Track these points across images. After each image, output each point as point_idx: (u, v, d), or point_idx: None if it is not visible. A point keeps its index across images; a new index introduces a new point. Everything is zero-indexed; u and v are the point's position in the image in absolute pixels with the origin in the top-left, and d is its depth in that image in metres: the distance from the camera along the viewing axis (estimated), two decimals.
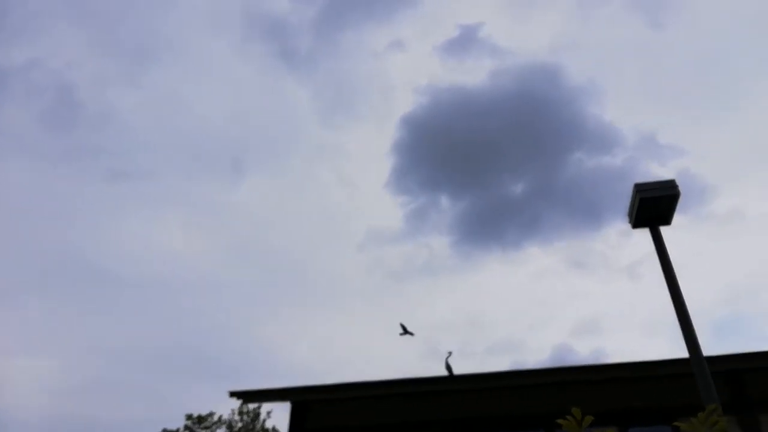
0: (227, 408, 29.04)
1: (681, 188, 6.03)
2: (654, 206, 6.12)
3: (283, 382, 9.18)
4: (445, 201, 47.92)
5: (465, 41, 46.72)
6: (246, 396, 9.24)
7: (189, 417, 27.84)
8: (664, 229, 6.37)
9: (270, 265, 52.13)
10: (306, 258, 51.34)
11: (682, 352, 6.11)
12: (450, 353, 11.39)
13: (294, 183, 53.05)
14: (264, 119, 54.08)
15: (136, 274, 48.08)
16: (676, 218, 6.27)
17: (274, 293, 52.76)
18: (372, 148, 57.79)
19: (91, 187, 48.50)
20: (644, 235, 6.49)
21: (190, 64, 51.78)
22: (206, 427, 27.96)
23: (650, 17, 45.20)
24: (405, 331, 11.00)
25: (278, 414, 30.41)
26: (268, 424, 29.12)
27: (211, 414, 28.27)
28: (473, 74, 51.59)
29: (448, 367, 11.63)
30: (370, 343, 47.26)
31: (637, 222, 6.30)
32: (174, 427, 27.65)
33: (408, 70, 54.36)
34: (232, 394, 9.13)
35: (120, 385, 42.23)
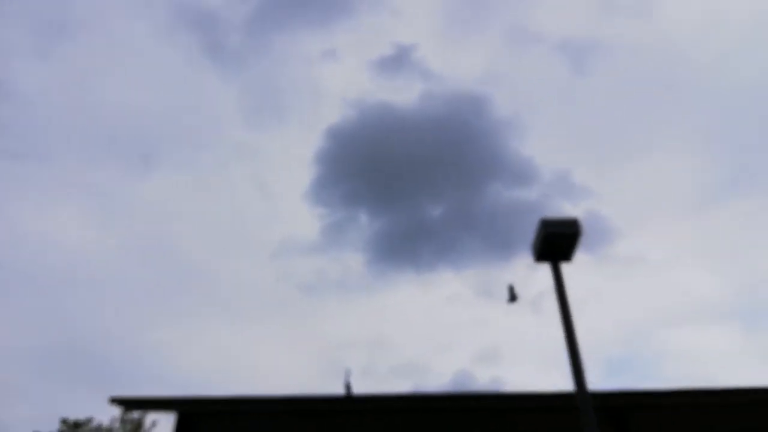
0: (108, 415, 27.26)
1: (588, 228, 6.29)
2: (557, 242, 6.32)
3: (171, 392, 8.67)
4: (363, 217, 48.03)
5: (398, 60, 47.48)
6: (128, 403, 8.65)
7: (64, 421, 25.89)
8: (565, 265, 6.60)
9: (171, 266, 49.77)
10: (211, 262, 49.52)
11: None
12: (349, 371, 11.27)
13: (206, 182, 51.15)
14: (181, 112, 51.92)
15: (21, 261, 44.45)
16: (581, 255, 6.53)
17: (173, 296, 50.36)
18: (294, 155, 56.97)
19: None
20: (548, 269, 6.70)
21: (107, 45, 48.98)
22: None
23: (575, 62, 48.05)
24: (512, 297, 10.69)
25: (165, 425, 28.90)
26: None
27: (89, 420, 26.43)
28: (403, 94, 52.39)
29: (347, 386, 11.50)
30: (271, 356, 46.14)
31: (539, 256, 6.49)
32: (46, 431, 25.62)
33: (339, 80, 54.35)
34: (114, 400, 8.53)
35: None
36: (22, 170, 45.05)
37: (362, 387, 11.49)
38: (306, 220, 53.83)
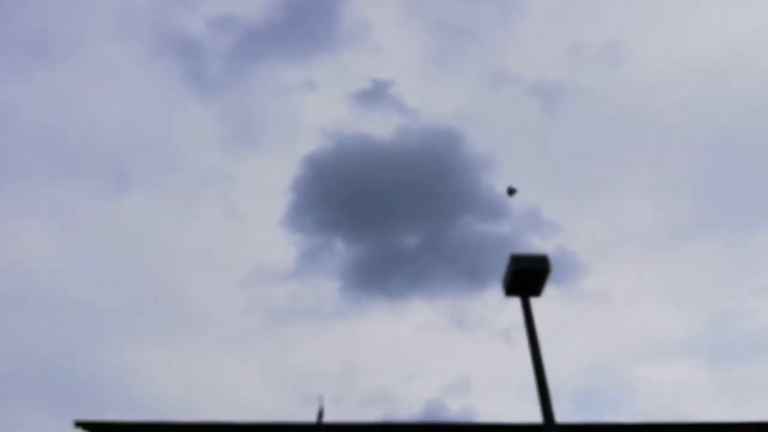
0: None
1: (557, 263, 6.47)
2: (526, 277, 6.47)
3: (139, 416, 8.54)
4: (339, 245, 48.21)
5: (376, 94, 48.36)
6: (94, 427, 8.51)
7: None
8: (535, 300, 6.73)
9: (141, 290, 49.09)
10: (182, 286, 48.95)
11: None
12: (322, 397, 11.24)
13: (180, 206, 50.94)
14: (158, 135, 51.93)
15: None
16: (550, 290, 6.67)
17: (142, 319, 49.54)
18: (270, 182, 57.22)
19: None
20: (519, 303, 6.83)
21: (87, 66, 49.08)
22: None
23: (546, 104, 49.46)
24: (512, 192, 10.69)
25: None
26: None
27: None
28: (380, 126, 53.36)
29: (320, 413, 11.45)
30: (241, 382, 45.49)
31: (510, 290, 6.62)
32: None
33: (317, 111, 55.08)
34: (78, 424, 8.38)
35: None
36: None
37: (333, 415, 11.45)
38: (281, 246, 53.74)
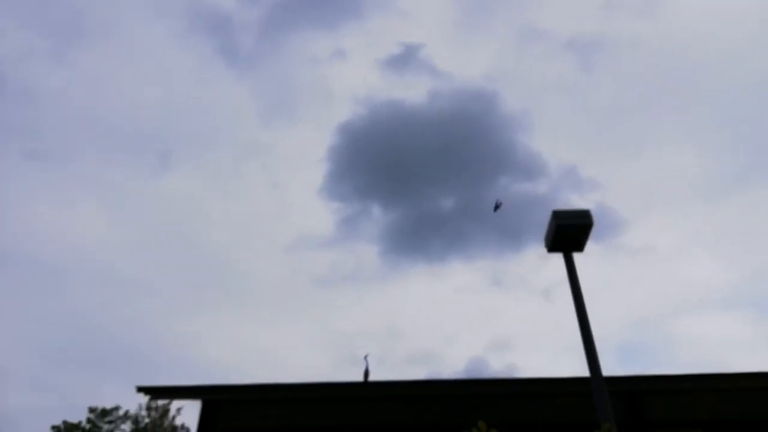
0: (134, 403, 27.94)
1: (597, 220, 6.36)
2: (569, 233, 6.41)
3: (195, 380, 8.95)
4: (376, 210, 48.43)
5: (406, 59, 47.62)
6: (154, 392, 8.94)
7: (92, 410, 26.60)
8: (577, 256, 6.69)
9: (189, 261, 50.64)
10: (229, 257, 50.24)
11: (587, 371, 6.44)
12: (367, 356, 11.49)
13: (222, 179, 51.84)
14: (197, 112, 52.63)
15: (45, 258, 45.53)
16: (591, 246, 6.61)
17: (192, 289, 51.19)
18: (307, 152, 57.61)
19: (3, 165, 45.56)
20: (560, 260, 6.81)
21: (125, 48, 49.71)
22: (110, 421, 26.80)
23: (581, 60, 47.82)
24: (497, 207, 11.00)
25: (189, 411, 29.54)
26: (178, 421, 28.25)
27: (116, 408, 27.11)
28: (412, 91, 52.65)
29: (366, 372, 11.71)
30: (289, 346, 46.77)
31: (552, 247, 6.58)
32: (76, 420, 26.35)
33: (349, 80, 54.70)
34: (140, 389, 8.81)
35: (20, 373, 39.76)
36: (43, 170, 45.94)
37: (377, 375, 11.67)
38: (320, 214, 54.37)
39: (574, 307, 6.57)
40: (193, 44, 50.81)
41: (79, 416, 26.96)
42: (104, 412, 26.63)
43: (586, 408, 7.52)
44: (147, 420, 27.40)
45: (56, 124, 46.84)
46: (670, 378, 8.54)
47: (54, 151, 46.67)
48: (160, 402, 27.22)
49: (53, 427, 25.60)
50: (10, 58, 47.53)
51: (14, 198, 46.72)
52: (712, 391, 8.71)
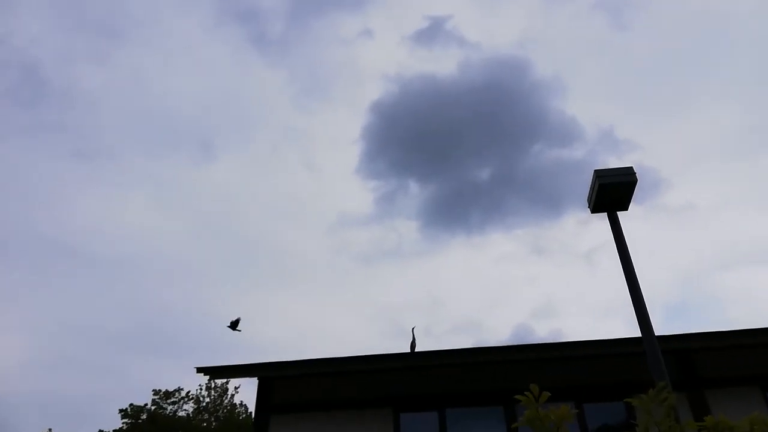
0: (195, 384, 29.05)
1: (638, 180, 6.25)
2: (612, 192, 6.33)
3: (250, 358, 9.26)
4: (413, 186, 48.49)
5: (433, 32, 46.98)
6: (213, 372, 9.31)
7: (156, 392, 27.79)
8: (621, 216, 6.61)
9: (237, 246, 51.94)
10: (274, 239, 51.28)
11: (635, 332, 6.41)
12: (414, 328, 11.67)
13: (263, 164, 52.71)
14: (234, 100, 53.44)
15: (101, 252, 47.42)
16: (633, 208, 6.51)
17: (243, 272, 52.54)
18: (343, 132, 57.94)
19: (54, 164, 47.45)
20: (600, 224, 6.74)
21: (159, 44, 50.69)
22: (173, 402, 27.97)
23: (613, 18, 46.15)
24: (234, 326, 11.24)
25: (246, 389, 30.56)
26: (236, 399, 29.27)
27: (178, 389, 28.26)
28: (441, 64, 52.06)
29: (413, 343, 11.90)
30: (337, 322, 47.65)
31: (596, 207, 6.51)
32: (141, 402, 27.60)
33: (378, 58, 54.46)
34: (199, 369, 9.19)
35: (87, 361, 41.88)
36: (91, 168, 47.60)
37: (424, 346, 11.82)
38: (359, 193, 54.78)
39: (621, 266, 6.51)
40: (225, 35, 51.47)
41: (144, 399, 28.26)
42: (167, 394, 27.80)
43: (637, 368, 7.49)
44: (207, 399, 28.50)
45: (100, 123, 48.34)
46: (721, 334, 8.39)
47: (100, 149, 48.28)
48: (219, 381, 28.24)
49: (121, 411, 26.90)
50: (51, 62, 49.09)
51: (68, 197, 48.70)
52: (764, 345, 8.52)
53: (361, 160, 51.26)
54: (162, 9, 51.19)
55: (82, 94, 48.11)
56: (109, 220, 46.94)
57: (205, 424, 27.75)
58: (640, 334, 6.17)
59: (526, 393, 2.47)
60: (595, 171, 6.34)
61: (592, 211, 6.59)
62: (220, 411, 28.38)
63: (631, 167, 6.32)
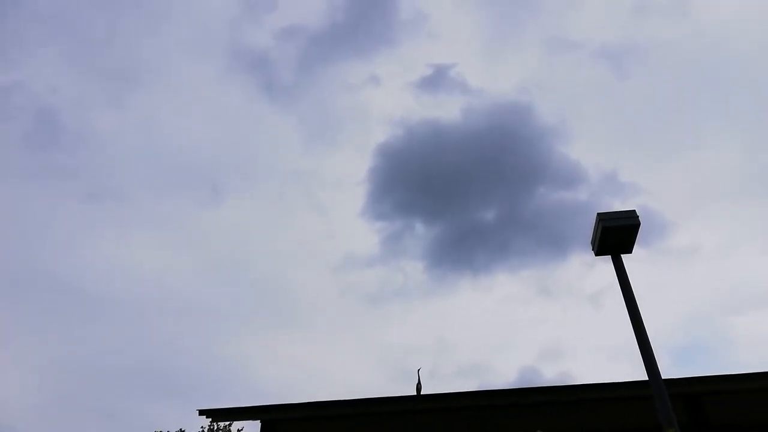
0: (197, 426, 28.59)
1: (641, 223, 6.28)
2: (616, 235, 6.34)
3: (254, 400, 9.16)
4: (419, 227, 48.74)
5: (438, 79, 48.09)
6: (215, 414, 9.20)
7: None
8: (625, 259, 6.61)
9: (243, 288, 51.91)
10: (281, 280, 51.26)
11: (643, 375, 6.33)
12: (419, 370, 11.56)
13: (271, 207, 53.24)
14: (244, 145, 54.44)
15: (106, 292, 47.46)
16: (638, 251, 6.54)
17: (248, 313, 52.32)
18: (348, 175, 58.71)
19: (66, 206, 48.05)
20: (606, 266, 6.74)
21: (173, 90, 51.99)
22: None
23: (614, 66, 47.18)
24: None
25: (249, 431, 30.03)
26: None
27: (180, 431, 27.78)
28: (445, 109, 53.10)
29: (419, 384, 11.77)
30: (343, 365, 47.12)
31: (600, 250, 6.52)
32: None
33: (384, 104, 55.76)
34: (202, 412, 9.09)
35: (87, 403, 41.36)
36: (101, 209, 48.13)
37: (430, 389, 11.70)
38: (365, 234, 55.07)
39: (627, 308, 6.47)
40: (236, 82, 52.76)
41: None
42: None
43: (644, 412, 7.38)
44: None
45: (112, 166, 49.16)
46: (731, 377, 8.26)
47: (111, 192, 48.92)
48: (222, 424, 27.78)
49: None
50: (66, 107, 50.28)
51: (78, 238, 49.01)
52: None
53: (368, 201, 51.69)
54: (175, 56, 52.66)
55: (96, 137, 49.09)
56: (118, 260, 47.18)
57: None
58: (646, 377, 6.09)
59: None
60: (598, 214, 6.38)
61: (596, 254, 6.59)
62: None
63: (634, 210, 6.35)
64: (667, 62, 48.06)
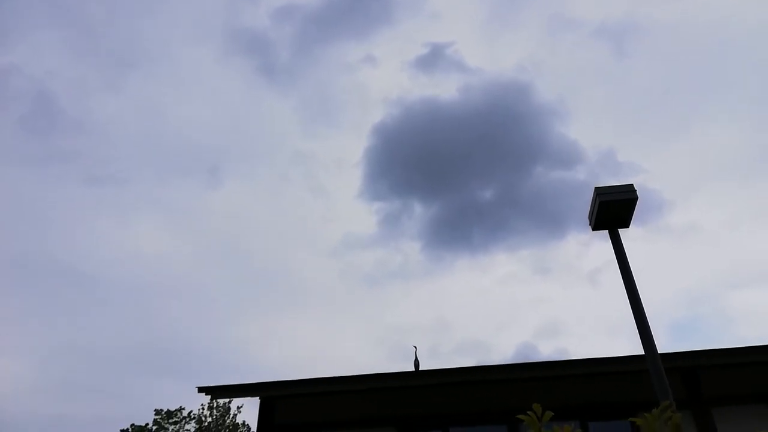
0: (197, 404, 28.87)
1: (640, 203, 6.24)
2: (613, 209, 6.32)
3: (253, 379, 9.21)
4: (417, 207, 48.77)
5: (435, 58, 47.63)
6: (214, 391, 9.26)
7: (158, 412, 27.62)
8: (624, 236, 6.59)
9: (243, 269, 52.11)
10: (281, 262, 51.41)
11: (640, 351, 6.35)
12: (416, 348, 11.62)
13: (270, 189, 53.14)
14: (243, 128, 54.15)
15: (108, 275, 47.60)
16: (636, 230, 6.52)
17: (248, 294, 52.55)
18: (347, 155, 58.59)
19: (66, 191, 47.86)
20: (603, 245, 6.74)
21: (171, 73, 51.47)
22: (175, 422, 27.77)
23: (614, 45, 46.72)
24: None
25: (249, 409, 30.34)
26: (239, 419, 29.05)
27: (180, 409, 28.07)
28: (443, 88, 52.76)
29: (416, 362, 11.84)
30: (343, 345, 47.48)
31: (597, 224, 6.50)
32: (143, 423, 27.41)
33: (381, 83, 55.36)
34: (201, 389, 9.14)
35: (88, 382, 41.72)
36: (102, 193, 48.04)
37: (428, 366, 11.80)
38: (363, 215, 55.07)
39: (624, 283, 6.48)
40: (234, 65, 52.34)
41: (146, 419, 28.06)
42: (169, 414, 27.61)
43: (642, 387, 7.43)
44: (210, 419, 28.28)
45: (111, 150, 48.91)
46: (727, 351, 8.32)
47: (111, 176, 48.78)
48: (221, 401, 28.06)
49: (122, 431, 26.70)
50: (65, 92, 49.82)
51: (79, 222, 49.01)
52: None
53: (365, 181, 51.62)
54: (172, 39, 52.12)
55: (94, 121, 48.75)
56: (119, 244, 47.22)
57: None
58: (642, 352, 6.11)
59: (529, 412, 2.45)
60: (596, 188, 6.35)
61: (594, 229, 6.58)
62: (223, 431, 28.14)
63: (632, 184, 6.31)
64: (668, 41, 47.67)
